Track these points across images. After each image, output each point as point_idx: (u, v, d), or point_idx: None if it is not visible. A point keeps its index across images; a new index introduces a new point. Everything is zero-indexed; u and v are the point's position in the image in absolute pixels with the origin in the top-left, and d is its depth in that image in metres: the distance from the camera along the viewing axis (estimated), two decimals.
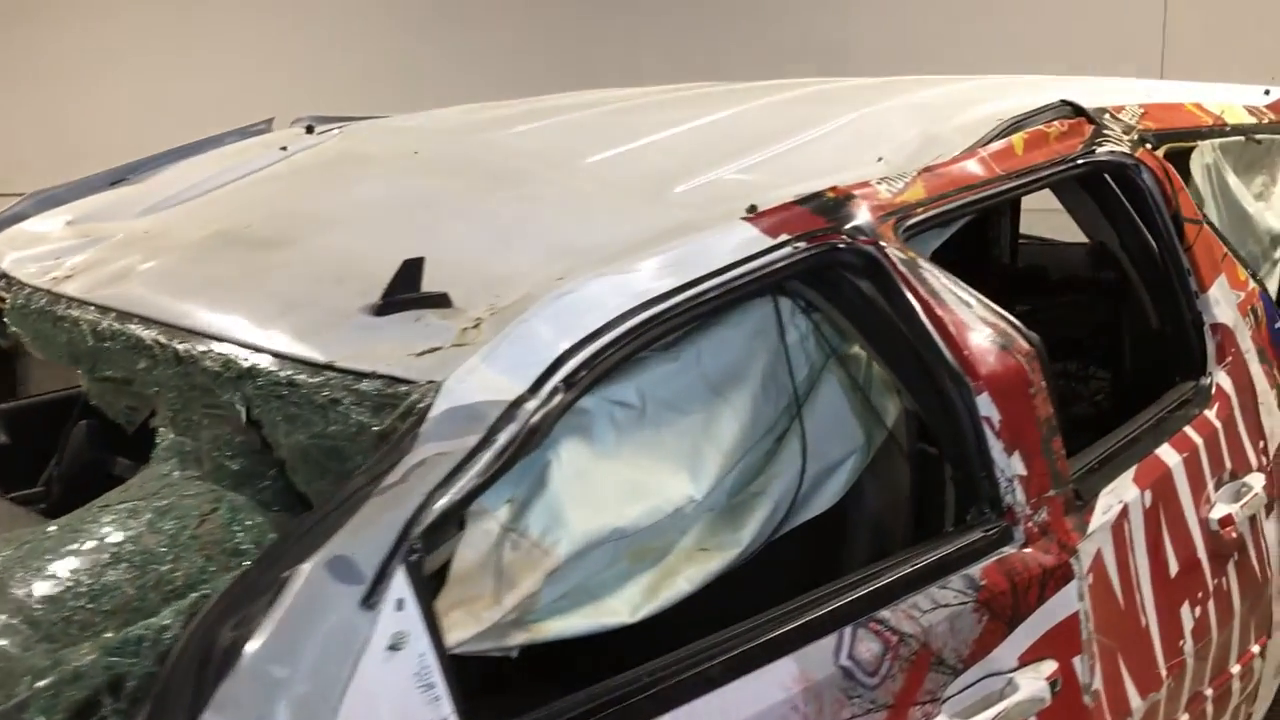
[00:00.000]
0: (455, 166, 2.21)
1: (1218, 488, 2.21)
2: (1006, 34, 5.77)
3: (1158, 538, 2.01)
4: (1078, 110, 2.35)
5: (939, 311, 1.71)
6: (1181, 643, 2.07)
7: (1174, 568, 2.06)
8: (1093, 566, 1.81)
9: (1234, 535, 2.22)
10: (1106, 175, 2.32)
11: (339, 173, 2.28)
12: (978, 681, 1.61)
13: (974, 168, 2.05)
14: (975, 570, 1.62)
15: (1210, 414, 2.25)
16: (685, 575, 1.57)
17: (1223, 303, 2.36)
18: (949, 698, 1.58)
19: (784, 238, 1.69)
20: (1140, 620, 1.96)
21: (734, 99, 2.55)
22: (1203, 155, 2.70)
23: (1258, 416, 2.39)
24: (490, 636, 1.39)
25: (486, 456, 1.29)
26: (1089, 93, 2.58)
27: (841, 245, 1.72)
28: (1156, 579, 2.00)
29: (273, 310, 1.64)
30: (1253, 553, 2.32)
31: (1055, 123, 2.27)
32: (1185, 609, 2.09)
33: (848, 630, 1.51)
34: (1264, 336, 2.50)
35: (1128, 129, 2.44)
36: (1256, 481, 2.30)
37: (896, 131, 2.17)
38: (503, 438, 1.31)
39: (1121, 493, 1.92)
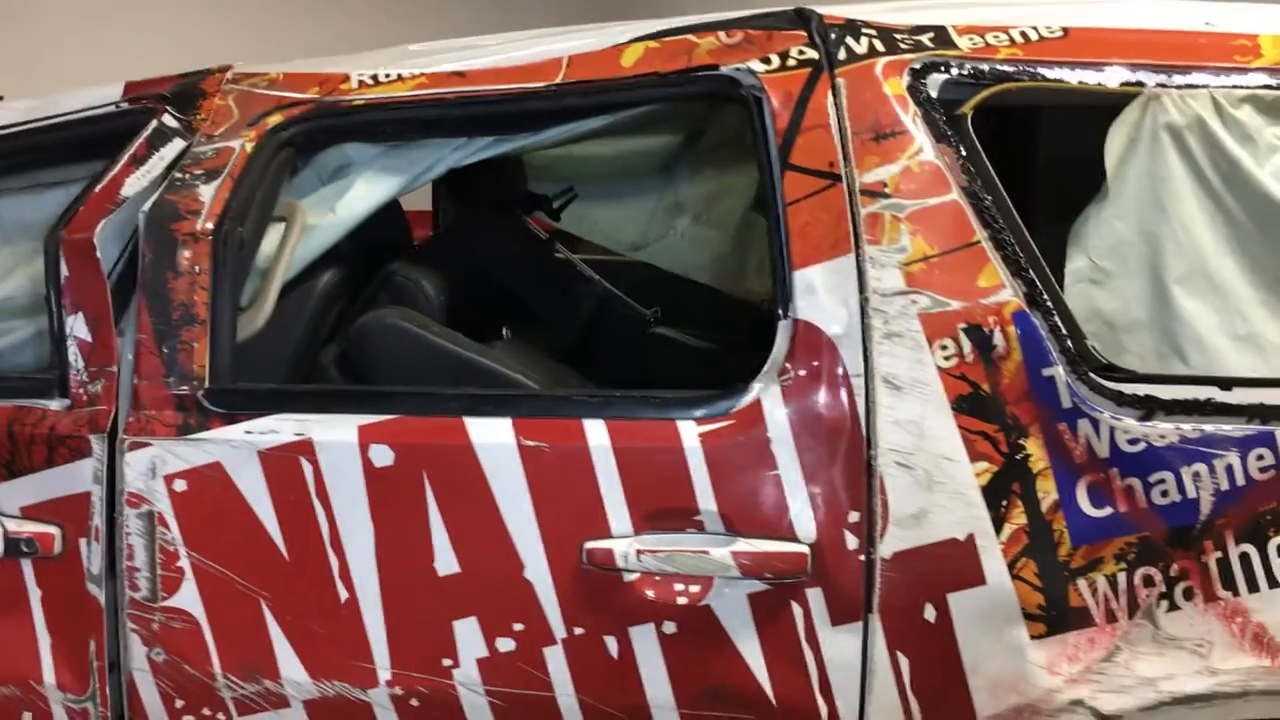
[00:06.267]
0: None
1: (646, 524, 1.64)
2: None
3: (411, 515, 1.66)
4: (802, 21, 1.84)
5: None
6: (449, 663, 1.67)
7: (451, 569, 1.66)
8: (188, 475, 1.68)
9: (650, 592, 1.64)
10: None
11: None
12: None
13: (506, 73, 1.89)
14: None
15: (691, 428, 1.65)
16: None
17: (822, 293, 1.65)
18: None
19: (124, 97, 1.94)
20: (334, 588, 1.68)
21: None
22: (1161, 111, 1.75)
23: (860, 473, 1.62)
24: None
25: None
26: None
27: (143, 110, 1.90)
28: (394, 559, 1.67)
29: None
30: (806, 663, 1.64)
31: (720, 34, 1.85)
32: (470, 628, 1.66)
33: None
34: (1007, 381, 1.63)
35: (896, 47, 1.78)
36: (749, 548, 1.62)
37: None
38: None
39: (315, 430, 1.67)
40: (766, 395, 1.64)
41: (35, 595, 1.72)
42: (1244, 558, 1.60)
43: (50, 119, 1.96)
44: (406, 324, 1.89)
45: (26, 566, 1.72)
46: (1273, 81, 1.72)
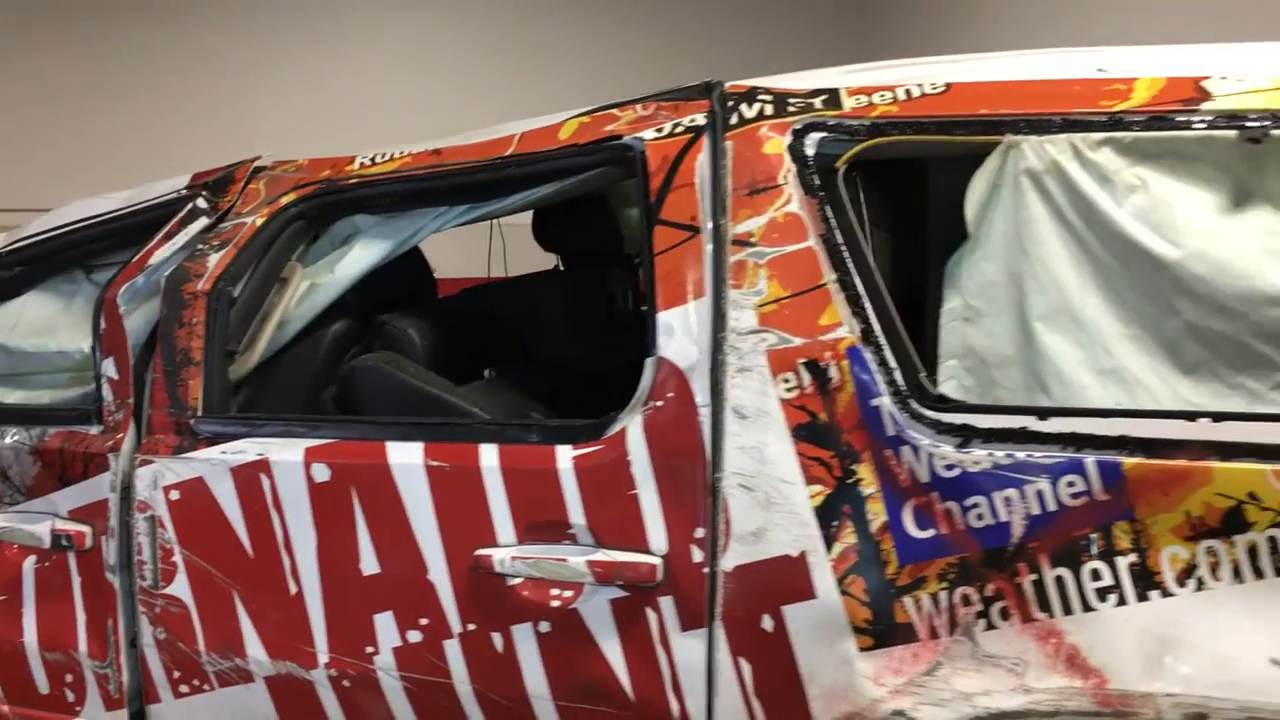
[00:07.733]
0: None
1: (527, 535, 1.90)
2: None
3: (343, 523, 1.98)
4: (707, 91, 2.06)
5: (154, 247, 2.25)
6: (371, 651, 1.96)
7: (373, 569, 1.97)
8: (180, 487, 2.06)
9: (527, 595, 1.89)
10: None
11: None
12: (38, 512, 2.19)
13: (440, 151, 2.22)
14: (35, 434, 2.19)
15: (567, 452, 1.89)
16: (49, 395, 2.49)
17: (679, 333, 1.86)
18: (17, 510, 2.22)
19: (186, 185, 2.40)
20: (286, 583, 2.01)
21: None
22: (1020, 158, 1.84)
23: (706, 493, 1.81)
24: None
25: None
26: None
27: (190, 195, 2.35)
28: (330, 559, 1.99)
29: None
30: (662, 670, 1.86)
31: (638, 106, 2.11)
32: (387, 621, 1.96)
33: None
34: (841, 412, 1.78)
35: (790, 110, 1.96)
36: (604, 557, 1.84)
37: None
38: None
39: (272, 451, 2.01)
40: (630, 424, 1.85)
41: (76, 581, 2.16)
42: (1059, 581, 1.66)
43: (136, 205, 2.43)
44: (384, 366, 2.22)
45: (70, 558, 2.16)
46: (1134, 122, 1.78)
